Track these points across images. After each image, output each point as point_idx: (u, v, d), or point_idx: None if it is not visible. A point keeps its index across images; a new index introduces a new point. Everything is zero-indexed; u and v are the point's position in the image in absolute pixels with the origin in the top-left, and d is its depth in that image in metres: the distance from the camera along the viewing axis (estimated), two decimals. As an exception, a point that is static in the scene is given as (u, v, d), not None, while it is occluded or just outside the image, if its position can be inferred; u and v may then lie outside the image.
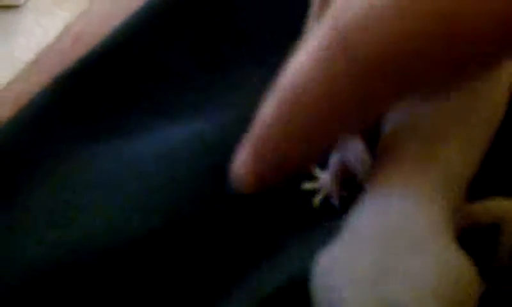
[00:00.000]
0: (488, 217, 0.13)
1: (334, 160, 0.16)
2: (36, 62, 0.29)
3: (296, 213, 0.16)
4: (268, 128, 0.11)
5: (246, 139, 0.11)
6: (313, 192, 0.17)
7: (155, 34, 0.21)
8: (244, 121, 0.12)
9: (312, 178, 0.18)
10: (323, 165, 0.17)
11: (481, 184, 0.13)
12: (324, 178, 0.17)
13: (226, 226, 0.16)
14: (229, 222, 0.16)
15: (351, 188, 0.15)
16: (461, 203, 0.13)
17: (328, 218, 0.15)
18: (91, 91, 0.20)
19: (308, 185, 0.18)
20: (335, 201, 0.17)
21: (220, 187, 0.14)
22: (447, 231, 0.11)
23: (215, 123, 0.18)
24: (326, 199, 0.17)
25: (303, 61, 0.11)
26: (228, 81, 0.19)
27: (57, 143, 0.19)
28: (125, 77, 0.20)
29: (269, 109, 0.11)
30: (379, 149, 0.13)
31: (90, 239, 0.16)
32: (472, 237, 0.12)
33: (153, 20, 0.21)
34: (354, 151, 0.15)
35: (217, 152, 0.17)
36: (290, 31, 0.16)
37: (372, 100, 0.11)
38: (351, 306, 0.11)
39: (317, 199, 0.17)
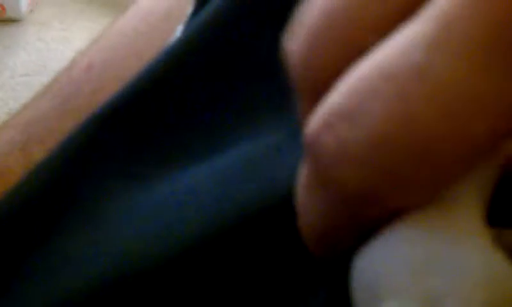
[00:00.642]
0: None
1: None
2: (47, 90, 0.30)
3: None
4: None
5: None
6: None
7: (187, 73, 0.21)
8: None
9: None
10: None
11: None
12: None
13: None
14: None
15: None
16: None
17: None
18: (127, 129, 0.21)
19: None
20: None
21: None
22: (486, 232, 0.11)
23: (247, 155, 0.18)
24: None
25: (300, 191, 0.12)
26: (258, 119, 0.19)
27: (96, 179, 0.19)
28: (160, 115, 0.20)
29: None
30: None
31: (127, 269, 0.16)
32: None
33: (185, 59, 0.21)
34: None
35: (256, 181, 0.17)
36: None
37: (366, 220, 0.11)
38: (394, 296, 0.11)
39: None
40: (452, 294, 0.10)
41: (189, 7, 0.27)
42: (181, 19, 0.28)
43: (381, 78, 0.10)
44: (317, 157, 0.11)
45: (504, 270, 0.11)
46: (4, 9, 0.90)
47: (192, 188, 0.17)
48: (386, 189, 0.10)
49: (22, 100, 0.81)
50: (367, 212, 0.11)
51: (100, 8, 0.97)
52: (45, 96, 0.29)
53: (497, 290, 0.11)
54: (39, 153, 0.26)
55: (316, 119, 0.10)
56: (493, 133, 0.10)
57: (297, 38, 0.11)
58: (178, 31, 0.27)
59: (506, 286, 0.11)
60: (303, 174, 0.12)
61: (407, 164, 0.10)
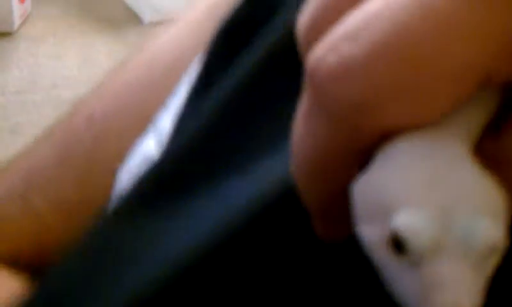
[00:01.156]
0: None
1: None
2: (49, 136, 0.30)
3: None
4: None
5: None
6: None
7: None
8: None
9: None
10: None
11: None
12: None
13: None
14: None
15: None
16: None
17: None
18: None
19: None
20: None
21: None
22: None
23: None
24: None
25: (297, 124, 0.12)
26: None
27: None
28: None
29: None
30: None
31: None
32: None
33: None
34: None
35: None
36: None
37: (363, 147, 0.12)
38: (404, 206, 0.11)
39: None
40: (462, 203, 0.11)
41: (194, 59, 0.27)
42: (185, 70, 0.28)
43: (384, 6, 0.11)
44: (319, 78, 0.11)
45: (498, 189, 0.12)
46: (-5, 22, 0.90)
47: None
48: (384, 101, 0.11)
49: (13, 119, 0.80)
50: (363, 132, 0.11)
51: (93, 24, 0.97)
52: (46, 143, 0.29)
53: (499, 206, 0.12)
54: (38, 201, 0.26)
55: (320, 45, 0.11)
56: (486, 60, 0.10)
57: (304, 13, 0.12)
58: (183, 84, 0.27)
59: (502, 203, 0.12)
60: (301, 105, 0.12)
61: (405, 74, 0.11)
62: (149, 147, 0.25)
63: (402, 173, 0.12)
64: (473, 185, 0.12)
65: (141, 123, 0.26)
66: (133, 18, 0.99)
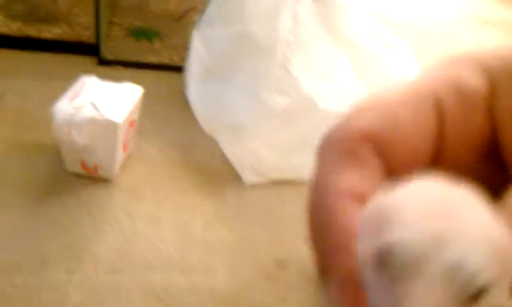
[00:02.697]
0: None
1: None
2: None
3: None
4: None
5: None
6: None
7: None
8: None
9: None
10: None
11: None
12: None
13: None
14: None
15: None
16: None
17: None
18: None
19: None
20: None
21: None
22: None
23: None
24: None
25: None
26: None
27: None
28: None
29: None
30: None
31: None
32: None
33: None
34: None
35: None
36: None
37: None
38: (405, 225, 0.12)
39: None
40: (458, 235, 0.12)
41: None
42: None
43: None
44: None
45: (501, 230, 0.13)
46: (97, 169, 0.87)
47: None
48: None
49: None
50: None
51: (192, 179, 0.93)
52: None
53: (496, 243, 0.12)
54: None
55: None
56: None
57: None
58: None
59: (503, 243, 0.12)
60: None
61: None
62: None
63: (410, 197, 0.13)
64: (476, 223, 0.12)
65: None
66: (233, 177, 0.95)
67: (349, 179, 0.18)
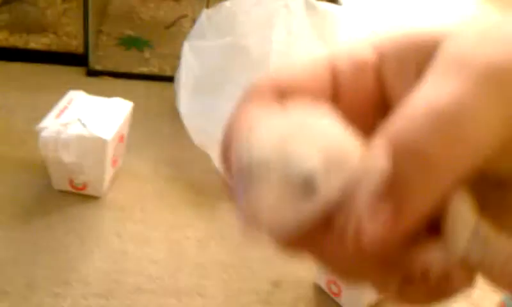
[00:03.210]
0: None
1: None
2: None
3: None
4: None
5: None
6: None
7: None
8: None
9: None
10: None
11: None
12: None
13: None
14: None
15: None
16: None
17: None
18: None
19: None
20: None
21: None
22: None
23: None
24: None
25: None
26: None
27: None
28: None
29: None
30: None
31: None
32: None
33: None
34: None
35: None
36: None
37: None
38: (257, 139, 0.16)
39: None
40: (301, 143, 0.15)
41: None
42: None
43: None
44: None
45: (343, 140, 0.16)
46: (85, 186, 0.84)
47: None
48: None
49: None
50: None
51: (183, 195, 0.91)
52: None
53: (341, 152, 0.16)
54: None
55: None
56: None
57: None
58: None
59: (340, 151, 0.16)
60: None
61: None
62: None
63: (274, 120, 0.16)
64: (320, 136, 0.15)
65: None
66: (224, 193, 0.92)
67: (254, 102, 0.22)
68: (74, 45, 1.20)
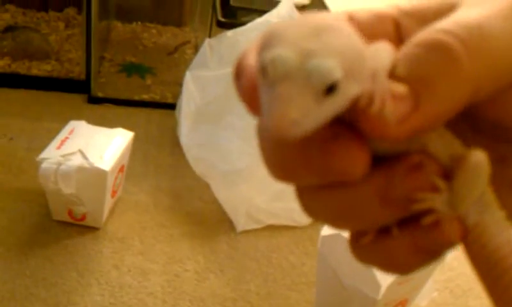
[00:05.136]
0: None
1: None
2: None
3: None
4: None
5: None
6: None
7: None
8: None
9: None
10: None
11: None
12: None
13: None
14: None
15: None
16: None
17: None
18: None
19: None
20: None
21: None
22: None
23: None
24: None
25: None
26: None
27: None
28: None
29: None
30: None
31: None
32: None
33: None
34: None
35: None
36: None
37: None
38: (278, 47, 0.16)
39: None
40: (321, 50, 0.16)
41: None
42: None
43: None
44: None
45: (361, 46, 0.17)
46: (84, 217, 0.84)
47: None
48: None
49: None
50: None
51: (182, 225, 0.90)
52: None
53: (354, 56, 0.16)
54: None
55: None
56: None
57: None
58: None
59: (357, 55, 0.17)
60: None
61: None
62: None
63: (292, 23, 0.17)
64: (340, 43, 0.16)
65: None
66: (225, 223, 0.92)
67: None
68: (76, 71, 1.20)
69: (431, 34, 0.17)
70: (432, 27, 0.17)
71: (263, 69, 0.16)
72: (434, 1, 0.20)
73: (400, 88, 0.17)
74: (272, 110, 0.15)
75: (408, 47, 0.17)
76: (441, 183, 0.18)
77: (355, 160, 0.17)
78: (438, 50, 0.17)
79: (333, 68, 0.15)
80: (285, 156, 0.18)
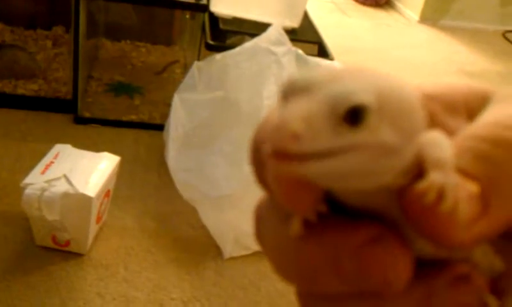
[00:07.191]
0: None
1: None
2: None
3: None
4: None
5: None
6: None
7: None
8: None
9: None
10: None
11: None
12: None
13: None
14: None
15: None
16: None
17: None
18: None
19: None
20: None
21: None
22: None
23: None
24: None
25: None
26: None
27: None
28: None
29: None
30: None
31: None
32: None
33: None
34: None
35: None
36: None
37: None
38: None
39: None
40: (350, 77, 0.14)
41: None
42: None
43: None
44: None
45: (404, 87, 0.15)
46: (68, 243, 0.82)
47: None
48: None
49: None
50: None
51: (168, 251, 0.89)
52: None
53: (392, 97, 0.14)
54: None
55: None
56: None
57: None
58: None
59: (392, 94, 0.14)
60: None
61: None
62: None
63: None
64: (380, 81, 0.14)
65: None
66: (212, 249, 0.90)
67: None
68: (63, 91, 1.19)
69: (497, 130, 0.16)
70: (492, 122, 0.16)
71: (283, 86, 0.14)
72: (459, 87, 0.18)
73: (473, 187, 0.15)
74: (275, 123, 0.13)
75: (471, 141, 0.16)
76: (492, 301, 0.16)
77: (399, 269, 0.15)
78: (506, 148, 0.15)
79: (360, 90, 0.13)
80: (310, 259, 0.15)
